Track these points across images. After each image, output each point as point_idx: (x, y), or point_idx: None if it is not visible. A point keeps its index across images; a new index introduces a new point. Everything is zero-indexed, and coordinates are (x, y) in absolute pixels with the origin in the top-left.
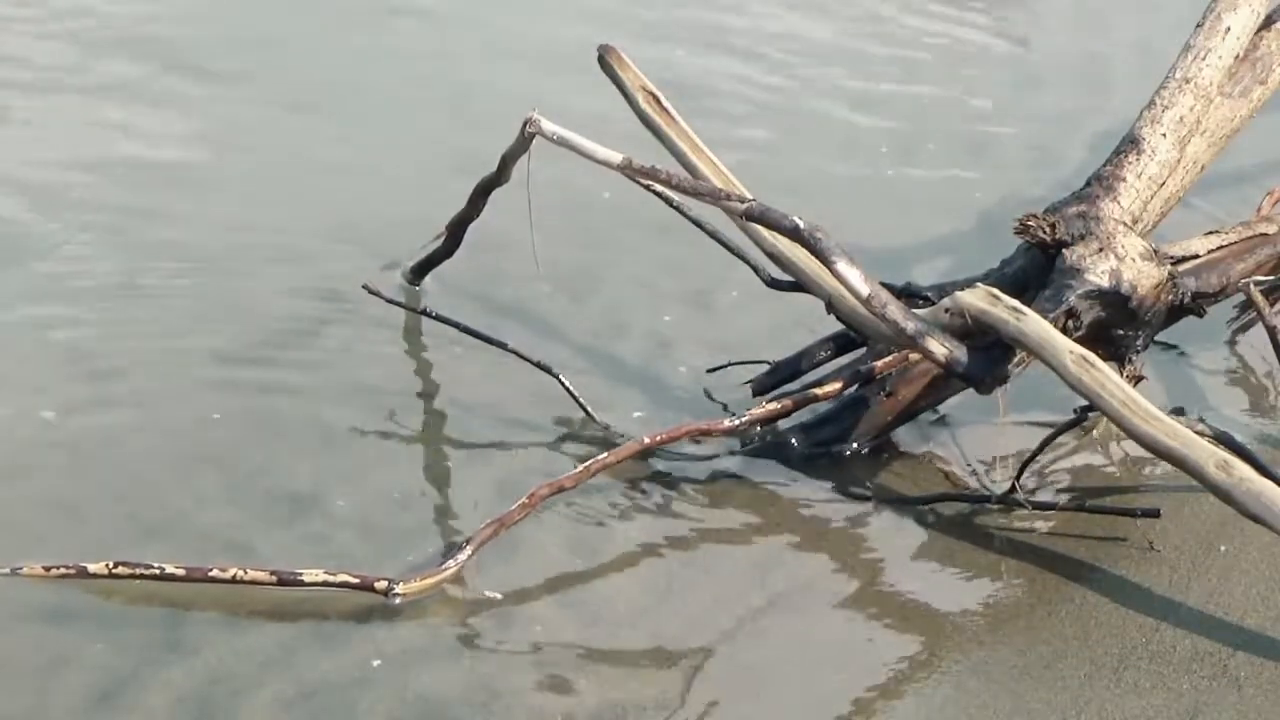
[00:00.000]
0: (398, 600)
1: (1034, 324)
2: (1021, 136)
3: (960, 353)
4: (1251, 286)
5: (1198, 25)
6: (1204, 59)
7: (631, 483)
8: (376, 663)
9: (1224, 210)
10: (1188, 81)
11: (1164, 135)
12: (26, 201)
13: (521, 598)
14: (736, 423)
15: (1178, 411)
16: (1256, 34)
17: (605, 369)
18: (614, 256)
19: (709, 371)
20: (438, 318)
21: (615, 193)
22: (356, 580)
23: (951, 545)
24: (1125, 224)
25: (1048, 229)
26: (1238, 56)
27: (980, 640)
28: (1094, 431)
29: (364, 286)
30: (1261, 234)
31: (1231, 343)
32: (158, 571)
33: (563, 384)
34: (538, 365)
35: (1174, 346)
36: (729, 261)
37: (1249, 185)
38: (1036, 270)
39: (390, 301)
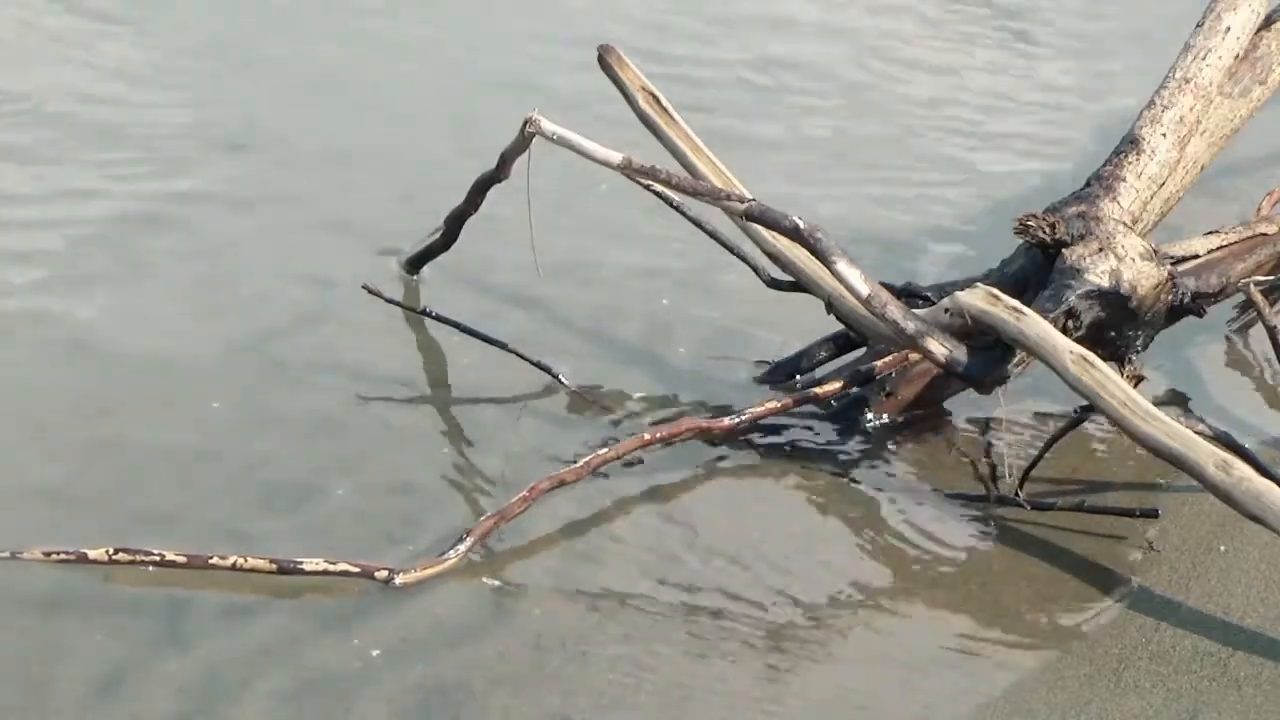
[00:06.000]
0: (398, 587)
1: (1034, 324)
2: (1022, 134)
3: (960, 353)
4: (1251, 286)
5: (1198, 25)
6: (1204, 59)
7: (631, 466)
8: (376, 652)
9: (1224, 210)
10: (1188, 81)
11: (1164, 135)
12: (25, 192)
13: (522, 583)
14: (736, 421)
15: (1180, 403)
16: (1256, 34)
17: (604, 354)
18: (610, 241)
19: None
20: (438, 318)
21: (612, 178)
22: (357, 569)
23: (951, 543)
24: (1125, 224)
25: (1048, 229)
26: (1238, 56)
27: (979, 640)
28: None
29: (364, 287)
30: (1261, 234)
31: (1231, 343)
32: (158, 559)
33: (562, 383)
34: (537, 365)
35: (1177, 345)
36: None
37: (1249, 185)
38: (1036, 270)
39: (390, 301)
